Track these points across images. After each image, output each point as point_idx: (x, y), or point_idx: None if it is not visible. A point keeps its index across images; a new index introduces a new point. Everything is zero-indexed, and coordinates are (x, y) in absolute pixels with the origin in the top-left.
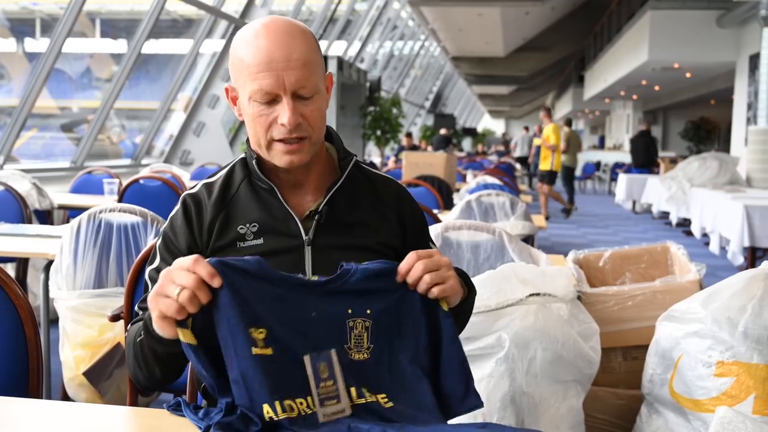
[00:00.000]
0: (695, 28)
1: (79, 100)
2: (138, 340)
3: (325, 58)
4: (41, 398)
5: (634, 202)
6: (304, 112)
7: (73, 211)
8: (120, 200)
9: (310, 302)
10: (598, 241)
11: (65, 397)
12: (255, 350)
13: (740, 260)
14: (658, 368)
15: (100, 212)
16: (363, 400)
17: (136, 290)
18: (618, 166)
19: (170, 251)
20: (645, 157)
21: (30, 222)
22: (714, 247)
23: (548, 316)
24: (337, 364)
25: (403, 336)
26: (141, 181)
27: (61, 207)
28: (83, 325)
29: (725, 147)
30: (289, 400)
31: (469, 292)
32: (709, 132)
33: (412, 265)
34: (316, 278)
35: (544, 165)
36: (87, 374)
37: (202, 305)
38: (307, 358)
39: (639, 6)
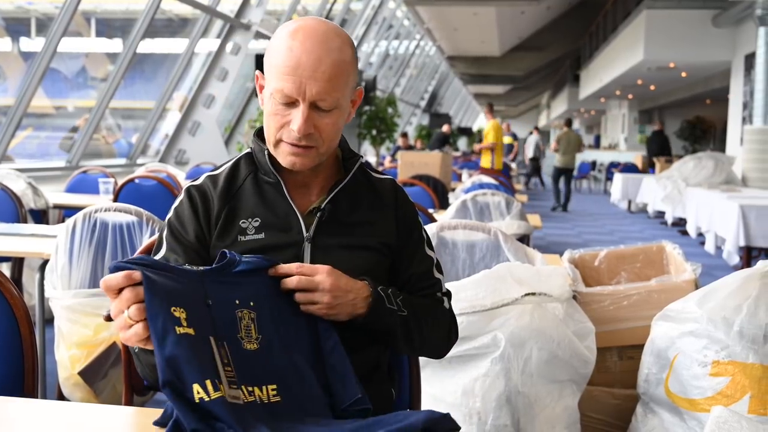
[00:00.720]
0: (691, 27)
1: (75, 100)
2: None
3: (361, 72)
4: (37, 398)
5: (629, 202)
6: (319, 123)
7: (69, 211)
8: (115, 200)
9: (207, 290)
10: (594, 241)
11: (61, 397)
12: (179, 329)
13: (736, 260)
14: (653, 368)
15: (96, 212)
16: (252, 398)
17: None
18: (613, 166)
19: (179, 240)
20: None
21: (25, 221)
22: (709, 246)
23: (544, 315)
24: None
25: (289, 328)
26: (136, 181)
27: (57, 206)
28: (78, 324)
29: (721, 146)
30: (214, 380)
31: (391, 315)
32: (704, 131)
33: (288, 274)
34: (202, 268)
35: (484, 163)
36: (82, 374)
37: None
38: (212, 339)
39: (634, 5)
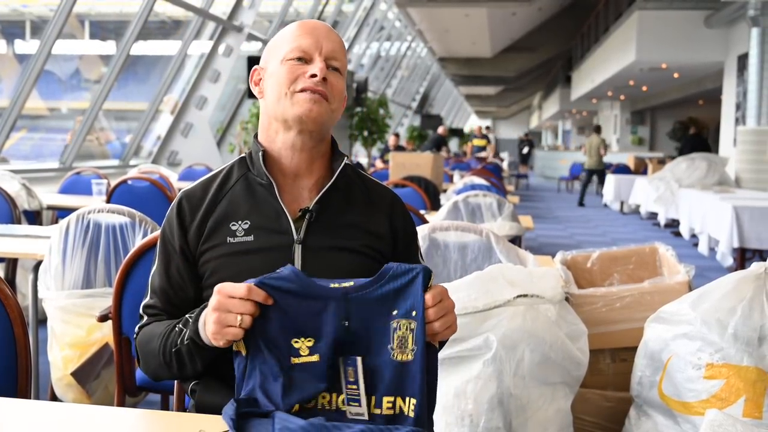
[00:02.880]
0: (683, 28)
1: (69, 101)
2: (174, 349)
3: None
4: (29, 398)
5: (622, 203)
6: (332, 79)
7: (62, 212)
8: (108, 201)
9: (349, 308)
10: (586, 242)
11: (53, 398)
12: (295, 360)
13: (729, 261)
14: (647, 370)
15: (89, 213)
16: (378, 410)
17: (125, 291)
18: (606, 167)
19: (166, 250)
20: None
21: (19, 222)
22: (703, 248)
23: (536, 317)
24: (361, 371)
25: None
26: (129, 182)
27: (50, 207)
28: (72, 325)
29: (714, 147)
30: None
31: None
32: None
33: (432, 306)
34: (352, 283)
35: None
36: (75, 374)
37: None
38: (340, 360)
39: (626, 6)
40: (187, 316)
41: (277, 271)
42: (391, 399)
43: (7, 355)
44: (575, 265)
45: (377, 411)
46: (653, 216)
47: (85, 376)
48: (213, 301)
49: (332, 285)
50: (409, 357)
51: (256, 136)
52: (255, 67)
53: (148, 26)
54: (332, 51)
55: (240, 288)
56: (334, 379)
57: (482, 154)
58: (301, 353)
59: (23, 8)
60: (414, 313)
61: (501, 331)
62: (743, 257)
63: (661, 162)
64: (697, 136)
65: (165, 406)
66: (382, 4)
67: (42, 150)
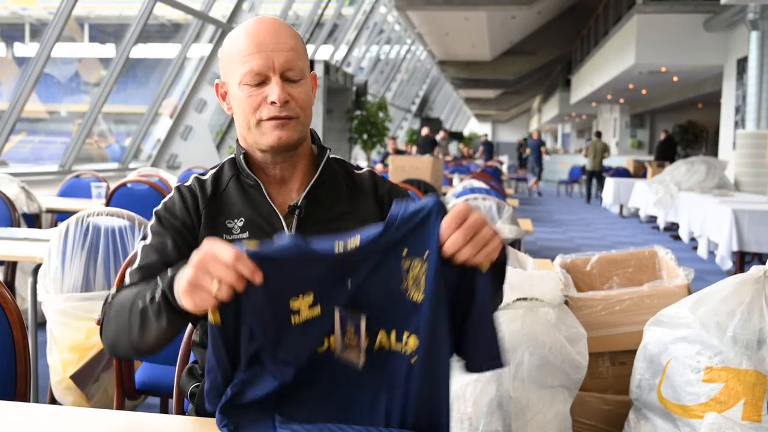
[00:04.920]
0: (682, 31)
1: (68, 104)
2: (142, 307)
3: (312, 62)
4: (29, 401)
5: (621, 206)
6: (293, 93)
7: (61, 215)
8: (108, 204)
9: (354, 263)
10: (586, 245)
11: (52, 401)
12: (295, 319)
13: (729, 265)
14: (646, 373)
15: (88, 216)
16: (388, 346)
17: None
18: (605, 170)
19: (164, 226)
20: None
21: (18, 225)
22: (702, 251)
23: (535, 320)
24: (364, 329)
25: (446, 283)
26: (128, 185)
27: (50, 210)
28: (71, 328)
29: (713, 151)
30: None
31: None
32: (696, 135)
33: (449, 236)
34: (357, 243)
35: None
36: (74, 377)
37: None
38: (338, 310)
39: (626, 9)
40: (168, 270)
41: (276, 240)
42: (393, 334)
43: (6, 358)
44: (575, 269)
45: (385, 347)
46: (652, 219)
47: (84, 379)
48: (196, 255)
49: (336, 249)
50: (422, 296)
51: (238, 140)
52: (216, 81)
53: (148, 29)
54: (286, 62)
55: (228, 252)
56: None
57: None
58: (302, 312)
59: (22, 11)
60: (426, 254)
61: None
62: (742, 260)
63: (661, 165)
64: (667, 141)
65: (164, 409)
66: (382, 7)
67: (41, 153)
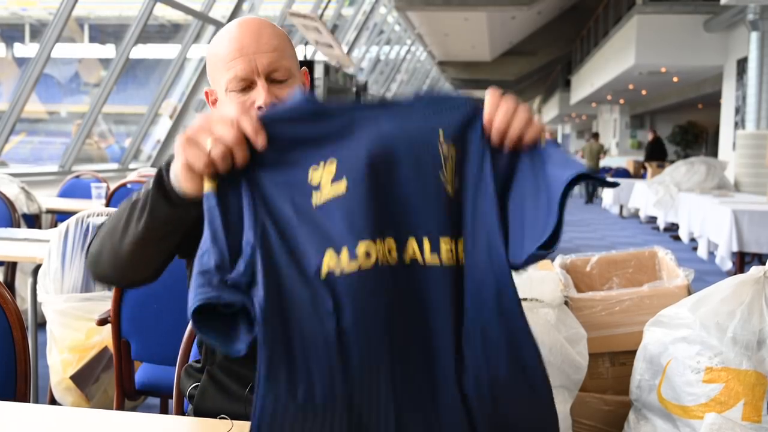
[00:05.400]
0: (682, 32)
1: (68, 105)
2: (134, 200)
3: (312, 62)
4: (28, 402)
5: (621, 207)
6: (280, 95)
7: (61, 215)
8: (108, 204)
9: (384, 125)
10: (585, 246)
11: (52, 401)
12: (316, 198)
13: (729, 265)
14: (646, 374)
15: (88, 216)
16: (421, 258)
17: (124, 294)
18: (605, 171)
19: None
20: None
21: (18, 226)
22: (702, 251)
23: (535, 321)
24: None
25: (484, 173)
26: (128, 186)
27: (50, 211)
28: (71, 328)
29: (713, 151)
30: (365, 242)
31: None
32: (696, 136)
33: (494, 114)
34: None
35: None
36: (74, 378)
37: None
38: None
39: (625, 10)
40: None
41: (288, 101)
42: (447, 241)
43: (6, 359)
44: (574, 269)
45: (434, 259)
46: (652, 220)
47: (84, 379)
48: (196, 121)
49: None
50: (455, 186)
51: None
52: (206, 90)
53: (148, 30)
54: (270, 64)
55: (233, 112)
56: (363, 216)
57: None
58: (323, 188)
59: (22, 11)
60: (457, 134)
61: None
62: (742, 261)
63: (660, 166)
64: (655, 142)
65: (164, 410)
66: (382, 8)
67: (41, 153)
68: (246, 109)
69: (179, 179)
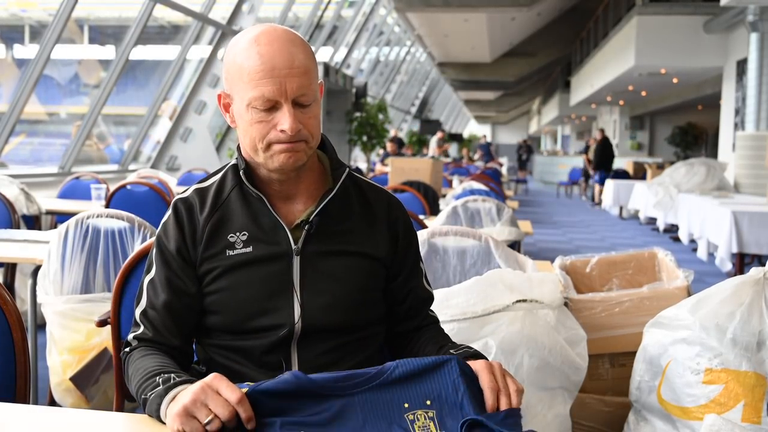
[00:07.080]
0: (682, 33)
1: (67, 106)
2: (142, 398)
3: None
4: (28, 403)
5: (621, 208)
6: (303, 119)
7: (61, 217)
8: (107, 206)
9: (358, 404)
10: (585, 247)
11: (52, 402)
12: None
13: (728, 266)
14: (645, 375)
15: (88, 218)
16: None
17: (123, 295)
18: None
19: (164, 257)
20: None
21: (18, 227)
22: (702, 253)
23: (535, 322)
24: None
25: (466, 415)
26: (128, 187)
27: (49, 212)
28: (70, 330)
29: (713, 152)
30: None
31: None
32: (696, 137)
33: (493, 385)
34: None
35: None
36: (74, 379)
37: None
38: None
39: (625, 11)
40: (173, 375)
41: (278, 377)
42: None
43: (5, 360)
44: (574, 270)
45: None
46: (652, 221)
47: (83, 381)
48: (199, 384)
49: (337, 382)
50: None
51: (238, 147)
52: (220, 93)
53: (148, 31)
54: (299, 88)
55: (232, 394)
56: None
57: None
58: None
59: (22, 13)
60: (428, 402)
61: (500, 336)
62: (742, 262)
63: (660, 167)
64: (603, 143)
65: None
66: (382, 9)
67: (41, 155)
68: (240, 399)
69: (169, 427)
